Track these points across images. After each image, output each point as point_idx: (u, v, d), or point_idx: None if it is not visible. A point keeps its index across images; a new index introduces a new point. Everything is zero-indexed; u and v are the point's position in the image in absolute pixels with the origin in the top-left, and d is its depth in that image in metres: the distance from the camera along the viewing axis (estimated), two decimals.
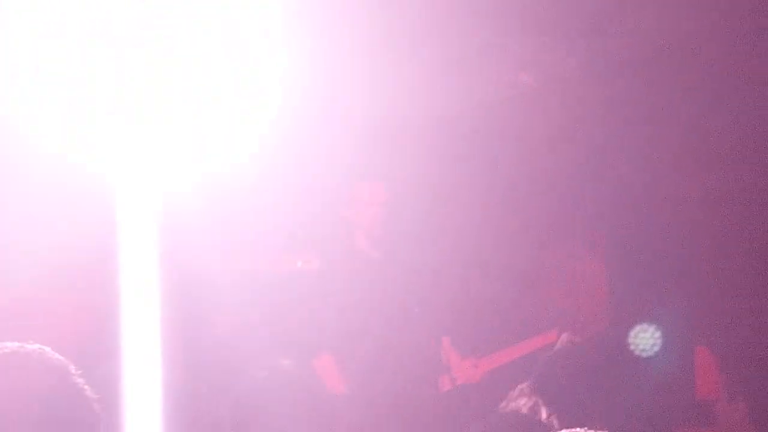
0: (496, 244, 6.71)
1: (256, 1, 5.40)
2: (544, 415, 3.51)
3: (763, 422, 5.71)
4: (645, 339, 3.49)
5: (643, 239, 6.58)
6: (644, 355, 3.47)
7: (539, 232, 6.73)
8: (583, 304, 6.75)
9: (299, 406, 3.57)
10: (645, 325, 3.47)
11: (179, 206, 5.69)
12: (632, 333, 3.57)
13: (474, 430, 3.85)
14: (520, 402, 3.62)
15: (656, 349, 3.40)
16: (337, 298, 6.20)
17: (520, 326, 6.53)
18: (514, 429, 3.56)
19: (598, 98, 6.43)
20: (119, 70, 5.01)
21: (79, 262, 5.89)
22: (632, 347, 3.51)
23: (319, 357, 5.98)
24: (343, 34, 5.99)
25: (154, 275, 5.07)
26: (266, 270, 6.51)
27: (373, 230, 6.29)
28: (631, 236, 6.62)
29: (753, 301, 6.27)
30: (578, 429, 2.60)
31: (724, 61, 6.09)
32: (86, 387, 2.58)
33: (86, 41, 4.98)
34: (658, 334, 3.38)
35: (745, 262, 6.35)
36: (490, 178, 6.75)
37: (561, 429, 2.61)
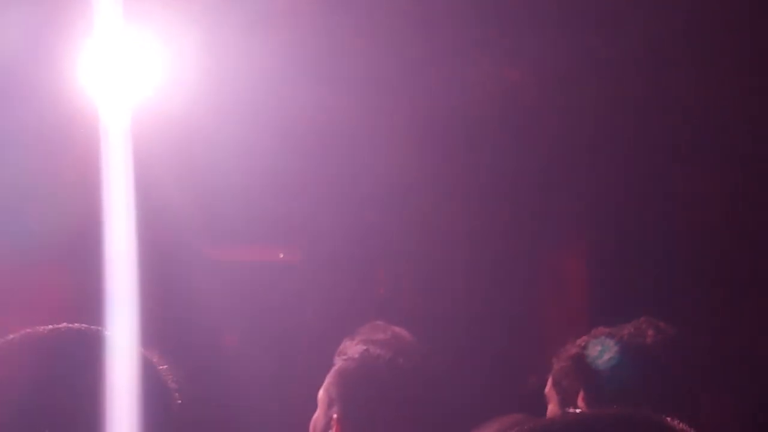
0: (482, 245, 6.65)
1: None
2: None
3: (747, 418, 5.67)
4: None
5: (630, 247, 6.51)
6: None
7: (528, 235, 6.67)
8: (568, 311, 6.68)
9: None
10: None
11: (164, 197, 5.66)
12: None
13: None
14: None
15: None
16: (319, 293, 6.20)
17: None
18: None
19: (587, 95, 6.38)
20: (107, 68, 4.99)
21: (59, 253, 5.84)
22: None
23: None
24: (326, 29, 5.95)
25: (138, 267, 4.97)
26: (249, 261, 6.49)
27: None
28: (618, 243, 6.55)
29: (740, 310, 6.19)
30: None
31: (725, 57, 6.02)
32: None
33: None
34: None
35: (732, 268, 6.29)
36: (476, 175, 6.69)
37: None
